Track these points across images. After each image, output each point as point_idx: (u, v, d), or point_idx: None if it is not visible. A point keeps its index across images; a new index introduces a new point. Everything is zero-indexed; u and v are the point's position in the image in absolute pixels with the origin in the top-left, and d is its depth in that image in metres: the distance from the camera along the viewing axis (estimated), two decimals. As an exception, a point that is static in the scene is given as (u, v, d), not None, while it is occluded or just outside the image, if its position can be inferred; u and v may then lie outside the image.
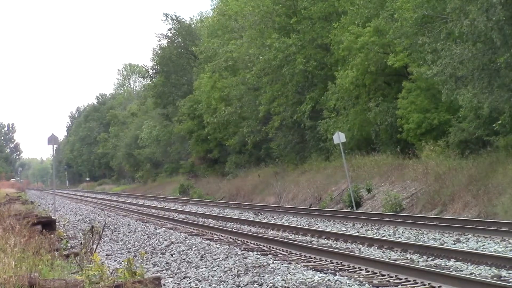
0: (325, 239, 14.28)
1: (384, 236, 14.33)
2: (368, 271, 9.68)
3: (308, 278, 8.98)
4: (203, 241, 14.20)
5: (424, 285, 8.55)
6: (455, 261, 10.32)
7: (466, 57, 18.04)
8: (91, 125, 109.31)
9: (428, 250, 11.28)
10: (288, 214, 22.18)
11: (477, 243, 12.32)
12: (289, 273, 9.42)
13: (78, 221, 23.73)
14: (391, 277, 9.16)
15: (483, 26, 17.11)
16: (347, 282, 8.73)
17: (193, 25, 61.91)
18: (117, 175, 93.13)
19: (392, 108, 26.58)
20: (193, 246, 13.36)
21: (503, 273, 9.12)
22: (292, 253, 12.07)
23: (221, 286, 9.20)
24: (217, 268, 10.53)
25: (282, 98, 34.37)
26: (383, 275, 9.32)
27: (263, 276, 9.32)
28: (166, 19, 56.71)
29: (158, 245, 14.53)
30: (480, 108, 19.65)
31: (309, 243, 13.40)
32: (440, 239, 13.20)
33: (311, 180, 30.01)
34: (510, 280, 8.57)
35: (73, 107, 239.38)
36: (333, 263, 10.66)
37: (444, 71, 18.89)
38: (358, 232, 15.22)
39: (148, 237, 16.26)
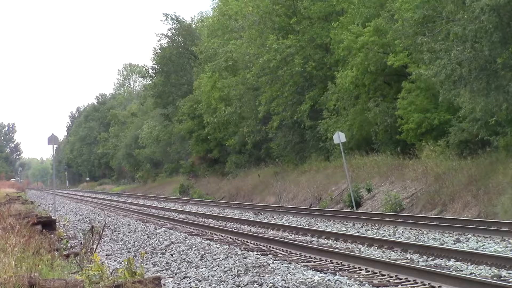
0: (325, 239, 14.28)
1: (384, 236, 14.33)
2: (368, 271, 9.68)
3: (308, 278, 8.98)
4: (203, 241, 14.20)
5: (424, 285, 8.55)
6: (455, 261, 10.32)
7: (465, 58, 18.06)
8: (91, 125, 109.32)
9: (428, 250, 11.28)
10: (288, 214, 22.18)
11: (477, 243, 12.33)
12: (289, 273, 9.42)
13: (78, 221, 23.73)
14: (391, 277, 9.16)
15: (473, 33, 17.30)
16: (347, 282, 8.73)
17: (194, 25, 61.92)
18: (117, 175, 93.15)
19: (391, 109, 26.58)
20: (193, 246, 13.37)
21: (503, 273, 9.12)
22: (292, 253, 12.07)
23: (221, 286, 9.20)
24: (217, 268, 10.54)
25: (281, 98, 34.38)
26: (383, 275, 9.32)
27: (263, 276, 9.32)
28: (166, 19, 56.74)
29: (158, 245, 14.53)
30: (475, 111, 19.71)
31: (309, 243, 13.40)
32: (440, 239, 13.20)
33: (311, 180, 30.01)
34: (510, 280, 8.57)
35: (73, 107, 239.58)
36: (333, 263, 10.65)
37: (442, 71, 18.91)
38: (358, 232, 15.22)
39: (148, 237, 16.26)
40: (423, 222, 16.24)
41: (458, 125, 22.34)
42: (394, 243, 12.37)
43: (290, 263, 10.64)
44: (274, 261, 10.69)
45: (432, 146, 23.65)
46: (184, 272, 10.63)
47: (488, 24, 17.01)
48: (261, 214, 23.75)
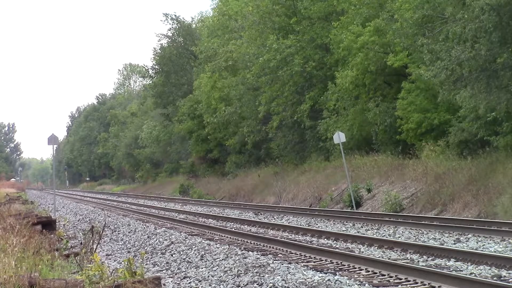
0: (325, 239, 14.27)
1: (384, 236, 14.32)
2: (368, 271, 9.68)
3: (308, 278, 8.97)
4: (203, 241, 14.20)
5: (424, 285, 8.55)
6: (455, 261, 10.32)
7: (465, 58, 18.06)
8: (91, 125, 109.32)
9: (428, 250, 11.28)
10: (288, 214, 22.18)
11: (477, 243, 12.32)
12: (289, 273, 9.42)
13: (78, 221, 23.73)
14: (391, 277, 9.16)
15: (472, 32, 17.32)
16: (347, 282, 8.72)
17: (194, 25, 61.93)
18: (117, 175, 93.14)
19: (391, 108, 26.57)
20: (193, 246, 13.36)
21: (503, 273, 9.12)
22: (292, 253, 12.07)
23: (221, 286, 9.19)
24: (217, 268, 10.53)
25: (281, 98, 34.38)
26: (383, 275, 9.32)
27: (263, 276, 9.32)
28: (166, 19, 56.75)
29: (158, 245, 14.53)
30: (477, 109, 19.69)
31: (309, 243, 13.40)
32: (440, 239, 13.20)
33: (311, 180, 30.00)
34: (510, 280, 8.57)
35: (73, 107, 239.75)
36: (333, 263, 10.65)
37: (442, 72, 18.90)
38: (358, 232, 15.22)
39: (148, 237, 16.25)
40: (423, 222, 16.24)
41: (458, 125, 22.33)
42: (394, 243, 12.37)
43: (290, 263, 10.64)
44: (274, 261, 10.68)
45: (432, 146, 23.63)
46: (184, 272, 10.63)
47: (488, 23, 17.03)
48: (261, 214, 23.75)
